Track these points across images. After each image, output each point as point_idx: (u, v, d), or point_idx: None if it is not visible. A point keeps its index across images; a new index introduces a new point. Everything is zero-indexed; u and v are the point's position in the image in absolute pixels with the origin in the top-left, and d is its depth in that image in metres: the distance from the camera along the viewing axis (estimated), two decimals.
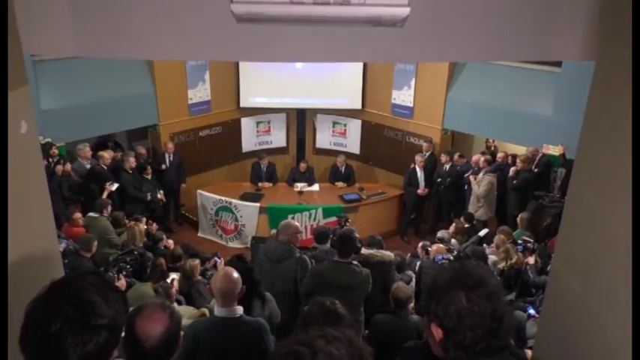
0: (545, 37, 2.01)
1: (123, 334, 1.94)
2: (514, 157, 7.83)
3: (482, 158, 7.79)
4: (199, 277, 5.40)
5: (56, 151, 6.94)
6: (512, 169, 7.47)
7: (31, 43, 1.91)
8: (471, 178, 7.69)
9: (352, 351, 1.15)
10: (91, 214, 6.39)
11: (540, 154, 7.49)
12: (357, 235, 4.20)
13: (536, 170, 7.43)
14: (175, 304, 4.51)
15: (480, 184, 7.56)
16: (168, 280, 5.01)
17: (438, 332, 1.43)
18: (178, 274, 5.43)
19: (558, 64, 7.23)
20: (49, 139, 6.93)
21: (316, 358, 1.11)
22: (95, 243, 5.57)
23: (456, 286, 1.40)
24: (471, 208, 7.63)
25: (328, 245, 5.13)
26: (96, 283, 1.31)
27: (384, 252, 4.94)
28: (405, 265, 5.65)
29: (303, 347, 1.13)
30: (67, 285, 1.31)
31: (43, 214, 1.87)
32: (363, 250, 4.89)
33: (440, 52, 2.06)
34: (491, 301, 1.39)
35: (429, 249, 5.76)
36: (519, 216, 6.68)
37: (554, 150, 7.34)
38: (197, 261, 5.63)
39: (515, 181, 7.38)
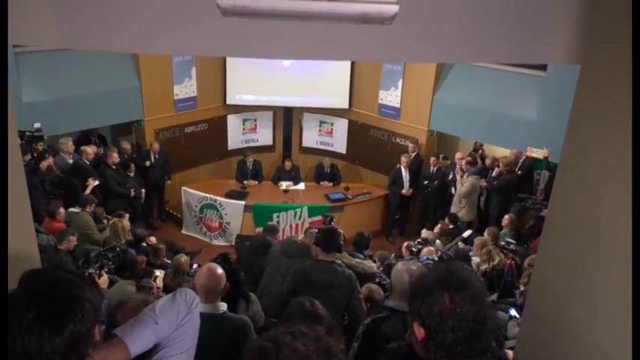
0: (532, 40, 2.02)
1: (104, 327, 1.93)
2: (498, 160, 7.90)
3: (464, 160, 7.83)
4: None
5: (40, 147, 6.80)
6: (495, 171, 7.53)
7: (12, 34, 1.86)
8: (458, 176, 7.72)
9: (319, 347, 1.15)
10: (72, 209, 6.28)
11: (524, 157, 7.57)
12: (341, 231, 4.12)
13: (519, 172, 7.51)
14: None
15: (463, 184, 7.62)
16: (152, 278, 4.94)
17: (420, 332, 1.44)
18: (162, 271, 5.37)
19: (543, 68, 7.32)
20: (38, 125, 6.76)
21: (281, 353, 1.11)
22: (73, 237, 5.45)
23: (441, 287, 1.41)
24: (453, 209, 7.68)
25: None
26: (68, 270, 1.40)
27: (365, 263, 4.85)
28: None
29: (269, 342, 1.14)
30: (41, 271, 1.36)
31: (19, 208, 1.82)
32: (347, 258, 4.79)
33: (427, 52, 2.07)
34: (474, 303, 1.39)
35: (413, 249, 5.78)
36: (505, 217, 6.74)
37: (537, 153, 7.41)
38: (185, 256, 5.61)
39: (495, 182, 7.45)
